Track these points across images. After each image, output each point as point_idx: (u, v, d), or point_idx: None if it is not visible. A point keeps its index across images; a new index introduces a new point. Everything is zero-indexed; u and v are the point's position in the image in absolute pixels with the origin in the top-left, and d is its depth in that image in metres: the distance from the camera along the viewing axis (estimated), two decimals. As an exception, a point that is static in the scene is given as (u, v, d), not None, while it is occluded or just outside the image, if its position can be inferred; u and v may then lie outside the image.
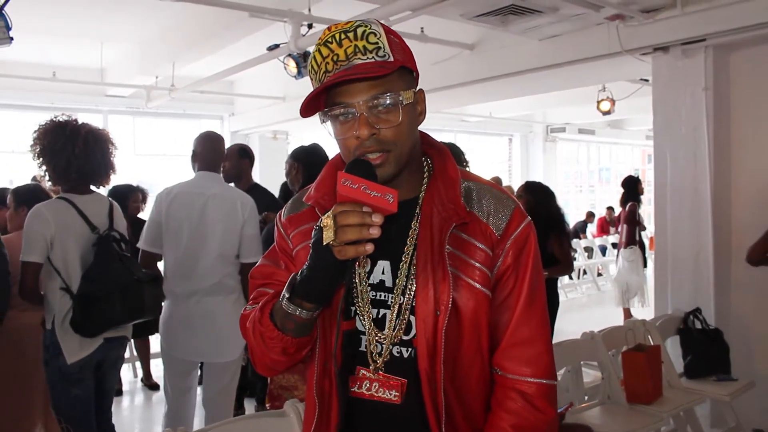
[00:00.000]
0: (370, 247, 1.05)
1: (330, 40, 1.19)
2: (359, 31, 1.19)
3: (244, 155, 4.44)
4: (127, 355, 5.56)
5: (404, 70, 1.23)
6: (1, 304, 2.82)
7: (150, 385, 5.57)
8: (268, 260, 1.41)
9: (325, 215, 1.07)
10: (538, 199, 4.62)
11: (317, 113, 1.24)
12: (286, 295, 1.17)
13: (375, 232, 1.04)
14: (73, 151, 2.91)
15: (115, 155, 3.12)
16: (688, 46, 4.33)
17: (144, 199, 5.53)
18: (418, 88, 1.27)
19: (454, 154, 4.34)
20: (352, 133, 1.19)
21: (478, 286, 1.24)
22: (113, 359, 3.09)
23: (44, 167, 2.96)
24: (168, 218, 3.28)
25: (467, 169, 4.23)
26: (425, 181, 1.32)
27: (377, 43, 1.19)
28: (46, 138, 2.93)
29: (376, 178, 1.11)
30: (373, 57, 1.18)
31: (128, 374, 5.92)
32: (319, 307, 1.18)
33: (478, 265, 1.25)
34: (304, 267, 1.15)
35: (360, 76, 1.16)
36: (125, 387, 5.57)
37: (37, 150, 2.94)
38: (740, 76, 4.42)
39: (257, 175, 5.17)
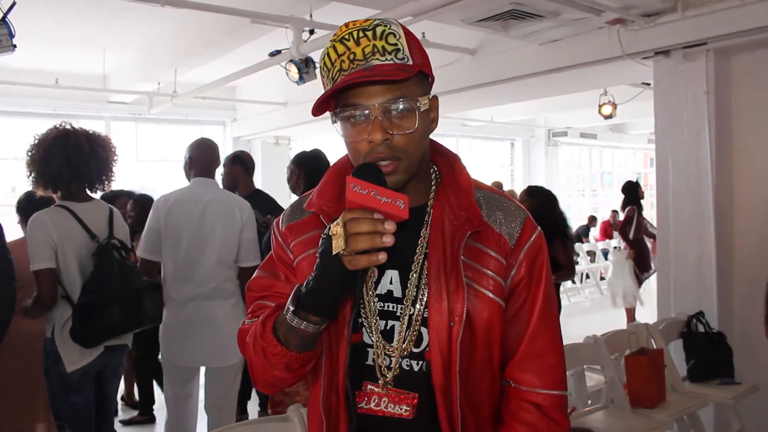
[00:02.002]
0: (383, 257, 0.99)
1: (347, 37, 1.13)
2: (378, 30, 1.13)
3: (235, 161, 4.39)
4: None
5: (421, 74, 1.17)
6: (8, 311, 2.81)
7: (133, 404, 5.22)
8: (266, 272, 1.34)
9: (334, 223, 1.01)
10: (541, 203, 4.61)
11: (327, 113, 1.19)
12: (291, 308, 1.11)
13: (388, 241, 0.98)
14: (67, 155, 2.90)
15: (114, 160, 3.11)
16: (689, 50, 4.33)
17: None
18: (432, 95, 1.22)
19: None
20: (364, 137, 1.13)
21: (491, 296, 1.20)
22: (114, 367, 3.09)
23: (32, 175, 2.94)
24: (167, 225, 3.30)
25: None
26: (433, 188, 1.27)
27: (397, 44, 1.13)
28: (41, 145, 2.92)
29: (385, 184, 1.06)
30: (392, 59, 1.11)
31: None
32: (325, 321, 1.12)
33: (492, 274, 1.21)
34: (310, 278, 1.08)
35: (379, 78, 1.10)
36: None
37: (29, 158, 2.93)
38: (742, 80, 4.42)
39: (260, 181, 5.17)
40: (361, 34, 1.12)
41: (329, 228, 1.03)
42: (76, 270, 2.90)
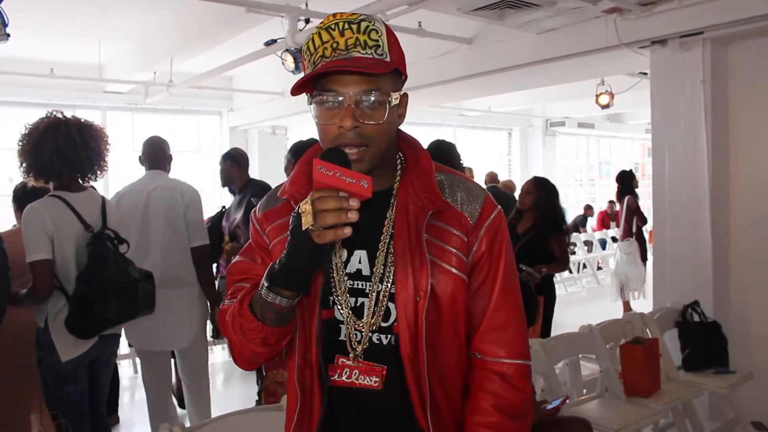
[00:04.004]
0: (348, 230, 1.07)
1: (333, 26, 1.21)
2: (363, 24, 1.21)
3: (227, 159, 4.51)
4: (126, 351, 5.60)
5: (396, 72, 1.26)
6: (2, 301, 2.80)
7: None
8: (245, 257, 1.42)
9: (303, 201, 1.10)
10: (549, 196, 4.63)
11: (305, 94, 1.27)
12: (265, 284, 1.18)
13: (353, 216, 1.06)
14: (57, 146, 2.87)
15: (107, 150, 3.08)
16: (685, 39, 4.32)
17: None
18: (403, 92, 1.30)
19: (448, 151, 4.29)
20: (335, 121, 1.20)
21: (455, 271, 1.29)
22: (106, 356, 3.09)
23: (24, 165, 2.92)
24: (117, 216, 3.43)
25: (462, 166, 4.21)
26: (398, 172, 1.36)
27: (378, 41, 1.21)
28: (31, 135, 2.90)
29: (350, 166, 1.13)
30: (371, 53, 1.20)
31: (128, 370, 5.94)
32: (298, 295, 1.20)
33: (454, 250, 1.29)
34: (282, 255, 1.16)
35: (357, 69, 1.18)
36: (125, 383, 5.55)
37: (20, 148, 2.91)
38: (738, 69, 4.42)
39: (257, 171, 5.16)
40: (346, 26, 1.21)
41: (299, 207, 1.11)
42: (73, 260, 2.89)
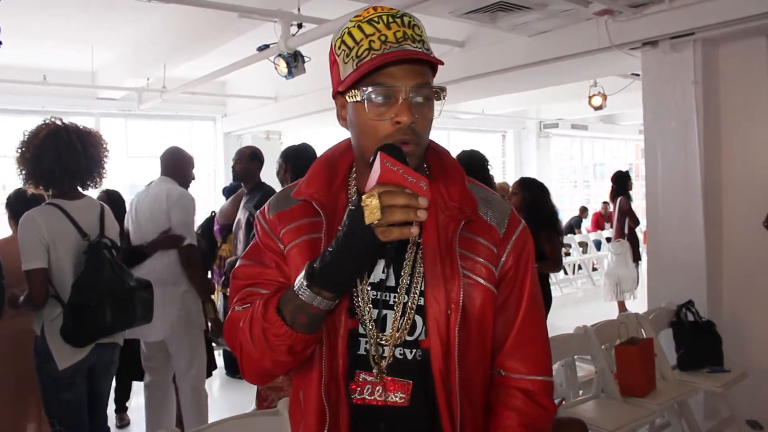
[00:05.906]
0: (415, 230, 1.00)
1: (376, 19, 1.15)
2: (405, 19, 1.16)
3: (254, 158, 4.61)
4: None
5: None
6: None
7: None
8: (251, 260, 1.32)
9: (367, 194, 1.01)
10: (534, 195, 4.62)
11: (349, 90, 1.18)
12: (304, 282, 1.09)
13: (422, 215, 0.99)
14: (58, 154, 2.87)
15: (106, 157, 3.08)
16: (676, 40, 4.35)
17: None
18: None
19: (480, 162, 4.30)
20: (388, 117, 1.14)
21: (484, 282, 1.23)
22: (105, 364, 3.06)
23: (23, 173, 2.91)
24: (128, 216, 3.86)
25: (490, 173, 4.23)
26: None
27: (422, 35, 1.17)
28: (31, 143, 2.89)
29: (408, 164, 1.06)
30: (421, 48, 1.15)
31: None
32: (338, 297, 1.12)
33: (483, 261, 1.24)
34: (327, 252, 1.08)
35: (423, 57, 1.13)
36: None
37: (19, 156, 2.90)
38: (729, 70, 4.44)
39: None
40: (390, 19, 1.15)
41: (359, 200, 1.02)
42: (69, 268, 2.87)
